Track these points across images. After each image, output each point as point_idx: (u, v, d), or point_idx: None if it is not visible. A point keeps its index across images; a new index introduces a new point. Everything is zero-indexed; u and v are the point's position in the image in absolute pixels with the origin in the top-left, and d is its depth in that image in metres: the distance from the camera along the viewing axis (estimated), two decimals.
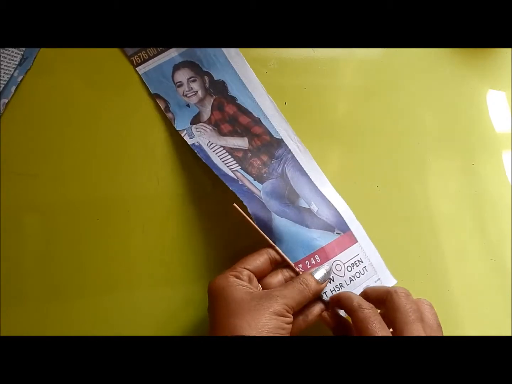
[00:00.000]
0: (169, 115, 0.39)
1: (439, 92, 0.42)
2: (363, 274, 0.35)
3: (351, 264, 0.35)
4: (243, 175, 0.37)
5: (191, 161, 0.38)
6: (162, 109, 0.39)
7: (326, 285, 0.33)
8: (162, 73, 0.39)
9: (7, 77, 0.37)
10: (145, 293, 0.37)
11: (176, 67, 0.39)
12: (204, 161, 0.37)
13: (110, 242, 0.37)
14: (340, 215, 0.36)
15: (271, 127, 0.38)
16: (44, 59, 0.39)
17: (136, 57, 0.39)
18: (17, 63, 0.38)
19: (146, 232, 0.38)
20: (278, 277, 0.33)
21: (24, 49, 0.38)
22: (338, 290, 0.34)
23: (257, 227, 0.33)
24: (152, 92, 0.39)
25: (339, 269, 0.34)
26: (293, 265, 0.33)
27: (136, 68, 0.39)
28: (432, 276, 0.39)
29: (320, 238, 0.35)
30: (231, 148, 0.37)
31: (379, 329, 0.29)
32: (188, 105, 0.39)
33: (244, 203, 0.34)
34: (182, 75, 0.39)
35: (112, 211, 0.38)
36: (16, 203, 0.37)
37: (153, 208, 0.38)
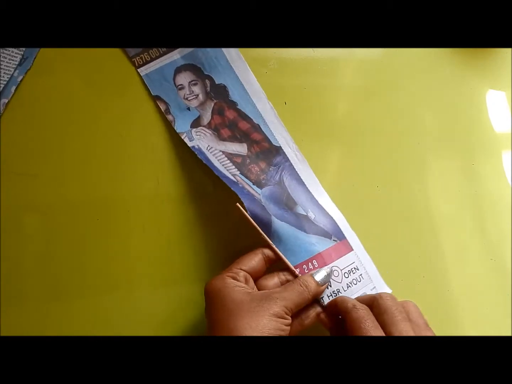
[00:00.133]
0: (169, 117, 0.39)
1: (439, 92, 0.42)
2: (359, 281, 0.35)
3: (348, 271, 0.35)
4: (242, 179, 0.37)
5: (191, 161, 0.38)
6: (163, 111, 0.39)
7: (325, 288, 0.33)
8: (163, 75, 0.39)
9: (7, 77, 0.37)
10: (145, 293, 0.37)
11: (178, 70, 0.39)
12: (204, 162, 0.37)
13: (110, 242, 0.37)
14: (336, 223, 0.36)
15: (270, 134, 0.38)
16: (44, 59, 0.39)
17: (138, 59, 0.39)
18: (17, 63, 0.38)
19: (146, 232, 0.38)
20: (274, 280, 0.33)
21: (24, 49, 0.38)
22: (335, 296, 0.34)
23: (258, 228, 0.33)
24: (153, 94, 0.39)
25: (336, 275, 0.34)
26: (292, 267, 0.33)
27: (138, 70, 0.39)
28: (432, 276, 0.39)
29: (318, 244, 0.35)
30: (230, 154, 0.37)
31: (372, 328, 0.29)
32: (188, 108, 0.39)
33: (245, 204, 0.34)
34: (184, 78, 0.39)
35: (112, 211, 0.38)
36: (16, 203, 0.37)
37: (153, 208, 0.38)
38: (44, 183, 0.37)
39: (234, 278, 0.31)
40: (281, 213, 0.35)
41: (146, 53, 0.39)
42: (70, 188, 0.38)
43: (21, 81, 0.38)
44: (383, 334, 0.29)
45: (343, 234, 0.36)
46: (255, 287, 0.33)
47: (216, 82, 0.39)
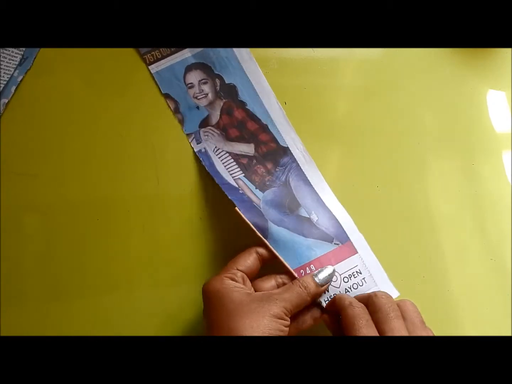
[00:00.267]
0: (178, 116, 0.39)
1: (439, 92, 0.42)
2: (361, 285, 0.35)
3: (348, 275, 0.35)
4: (245, 183, 0.37)
5: (191, 161, 0.38)
6: (172, 109, 0.39)
7: (326, 289, 0.33)
8: (174, 73, 0.39)
9: (7, 77, 0.37)
10: (145, 293, 0.37)
11: (188, 68, 0.39)
12: (207, 169, 0.37)
13: (110, 242, 0.37)
14: (341, 225, 0.36)
15: (278, 135, 0.38)
16: (44, 59, 0.39)
17: (149, 56, 0.39)
18: (17, 63, 0.38)
19: (146, 232, 0.38)
20: (271, 282, 0.33)
21: (24, 49, 0.38)
22: None
23: (257, 232, 0.34)
24: (162, 92, 0.39)
25: (334, 280, 0.34)
26: (291, 269, 0.34)
27: (149, 67, 0.39)
28: (432, 276, 0.39)
29: (317, 248, 0.35)
30: (237, 155, 0.37)
31: (365, 326, 0.29)
32: (197, 107, 0.39)
33: (241, 212, 0.34)
34: (194, 77, 0.39)
35: (112, 211, 0.38)
36: (16, 203, 0.37)
37: (153, 208, 0.38)
38: (44, 183, 0.37)
39: (232, 279, 0.31)
40: (280, 218, 0.35)
41: (157, 51, 0.39)
42: (70, 188, 0.38)
43: (21, 81, 0.38)
44: (376, 332, 0.29)
45: (347, 236, 0.36)
46: (252, 287, 0.33)
47: (226, 82, 0.39)
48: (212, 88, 0.39)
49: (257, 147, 0.38)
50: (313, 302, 0.33)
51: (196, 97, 0.39)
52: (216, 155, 0.37)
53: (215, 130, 0.38)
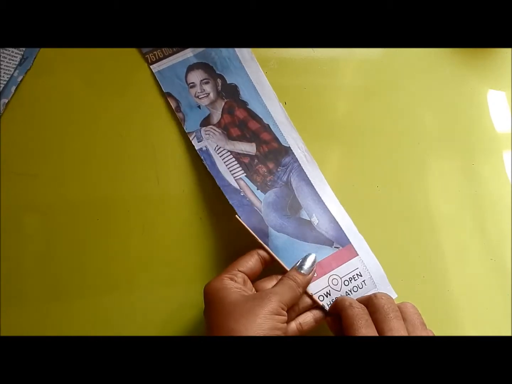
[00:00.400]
0: (179, 115, 0.39)
1: (439, 92, 0.42)
2: (361, 288, 0.35)
3: (349, 278, 0.35)
4: (246, 184, 0.37)
5: (191, 161, 0.38)
6: (173, 108, 0.39)
7: (313, 276, 0.34)
8: (176, 73, 0.39)
9: (7, 77, 0.37)
10: (145, 293, 0.37)
11: (190, 68, 0.39)
12: (208, 169, 0.37)
13: (110, 242, 0.37)
14: (341, 228, 0.36)
15: (279, 135, 0.38)
16: (44, 59, 0.39)
17: (151, 55, 0.39)
18: (17, 63, 0.38)
19: (146, 232, 0.38)
20: (272, 283, 0.33)
21: (24, 49, 0.38)
22: None
23: (258, 238, 0.34)
24: (164, 91, 0.39)
25: (335, 283, 0.34)
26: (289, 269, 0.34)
27: (151, 66, 0.39)
28: (432, 276, 0.39)
29: (317, 253, 0.35)
30: (238, 154, 0.37)
31: (364, 326, 0.29)
32: (199, 107, 0.39)
33: (242, 217, 0.34)
34: (196, 76, 0.39)
35: (112, 211, 0.38)
36: (16, 203, 0.37)
37: (153, 208, 0.38)
38: (44, 183, 0.37)
39: (232, 280, 0.31)
40: (281, 222, 0.36)
41: (159, 50, 0.39)
42: (70, 188, 0.38)
43: (21, 81, 0.38)
44: (375, 332, 0.29)
45: (348, 239, 0.36)
46: (253, 288, 0.33)
47: (228, 82, 0.39)
48: (214, 88, 0.39)
49: (259, 147, 0.38)
50: (314, 303, 0.34)
51: (197, 97, 0.39)
52: (218, 154, 0.37)
53: (217, 129, 0.38)
